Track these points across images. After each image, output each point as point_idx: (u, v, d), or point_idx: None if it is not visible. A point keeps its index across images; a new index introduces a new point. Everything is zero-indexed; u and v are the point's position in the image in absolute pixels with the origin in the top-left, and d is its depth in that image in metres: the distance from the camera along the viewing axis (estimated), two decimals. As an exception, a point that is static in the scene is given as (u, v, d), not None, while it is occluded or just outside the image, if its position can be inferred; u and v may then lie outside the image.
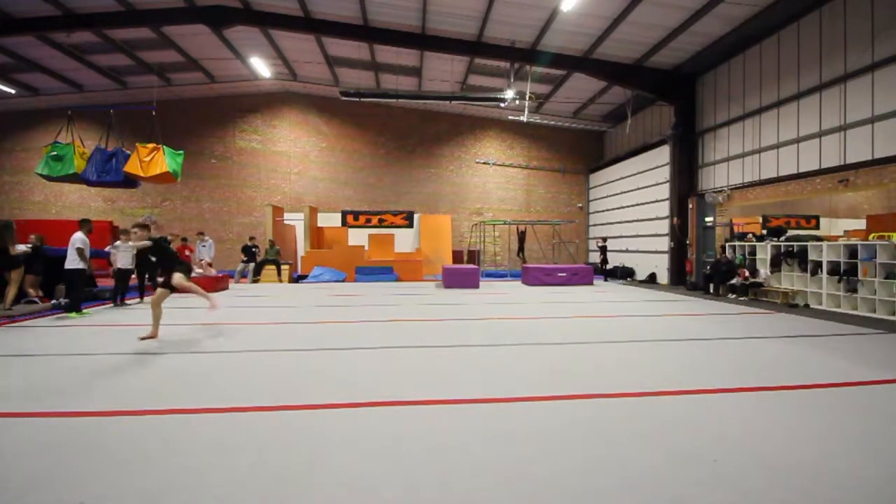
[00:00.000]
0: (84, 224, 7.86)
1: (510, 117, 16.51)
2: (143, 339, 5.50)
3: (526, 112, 15.06)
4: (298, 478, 2.33)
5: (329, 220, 17.61)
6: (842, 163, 9.12)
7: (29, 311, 7.70)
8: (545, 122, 17.41)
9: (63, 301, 7.93)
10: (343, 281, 14.60)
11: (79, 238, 7.54)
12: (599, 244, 17.85)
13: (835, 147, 9.29)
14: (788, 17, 10.14)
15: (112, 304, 8.84)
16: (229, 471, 2.40)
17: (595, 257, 18.87)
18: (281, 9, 12.23)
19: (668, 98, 13.74)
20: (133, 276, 9.42)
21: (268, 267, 14.74)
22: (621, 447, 2.68)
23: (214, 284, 11.69)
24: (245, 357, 4.90)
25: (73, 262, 7.43)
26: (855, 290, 8.33)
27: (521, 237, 18.33)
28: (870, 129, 8.61)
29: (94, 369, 4.38)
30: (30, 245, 8.43)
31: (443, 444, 2.72)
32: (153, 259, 6.06)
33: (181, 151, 11.20)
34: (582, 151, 20.39)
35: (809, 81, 9.86)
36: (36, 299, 8.52)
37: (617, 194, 17.93)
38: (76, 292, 7.60)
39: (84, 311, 7.89)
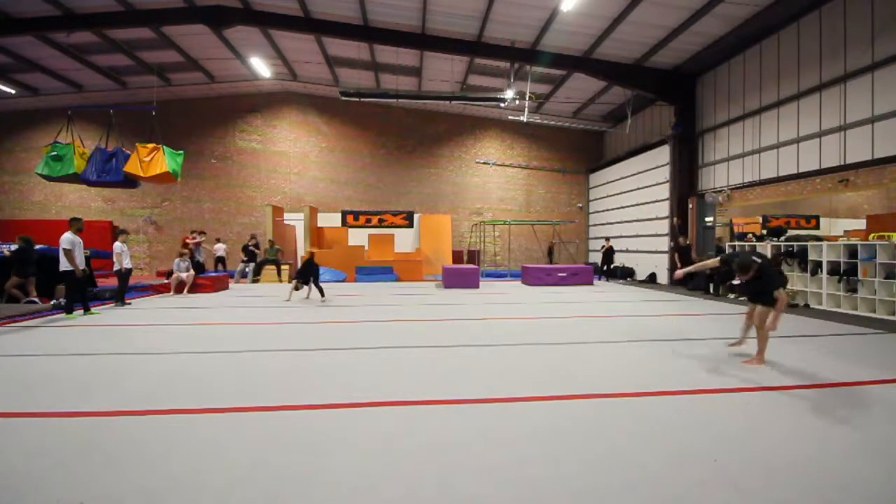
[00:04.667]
0: (73, 223, 7.62)
1: (510, 117, 16.48)
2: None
3: (526, 112, 15.03)
4: (298, 477, 2.33)
5: (329, 220, 17.61)
6: (842, 163, 9.12)
7: (28, 312, 7.69)
8: (545, 122, 17.40)
9: (63, 301, 7.92)
10: (343, 281, 14.60)
11: (66, 239, 7.31)
12: (604, 245, 16.88)
13: (835, 147, 9.29)
14: (788, 17, 10.14)
15: (114, 304, 8.84)
16: (229, 471, 2.40)
17: (596, 257, 18.45)
18: (281, 9, 12.22)
19: (668, 98, 13.74)
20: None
21: (268, 267, 14.76)
22: (621, 447, 2.68)
23: (215, 284, 11.71)
24: (245, 357, 4.90)
25: (63, 263, 7.32)
26: (855, 290, 8.33)
27: (551, 250, 19.24)
28: (870, 128, 8.61)
29: (93, 369, 4.38)
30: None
31: (443, 444, 2.72)
32: None
33: (181, 151, 11.22)
34: (582, 151, 20.39)
35: (809, 81, 9.86)
36: (35, 299, 8.53)
37: (617, 194, 17.92)
38: (70, 294, 7.56)
39: (93, 310, 7.89)
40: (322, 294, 9.75)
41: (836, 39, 9.25)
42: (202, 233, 14.74)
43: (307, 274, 9.80)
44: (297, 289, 9.82)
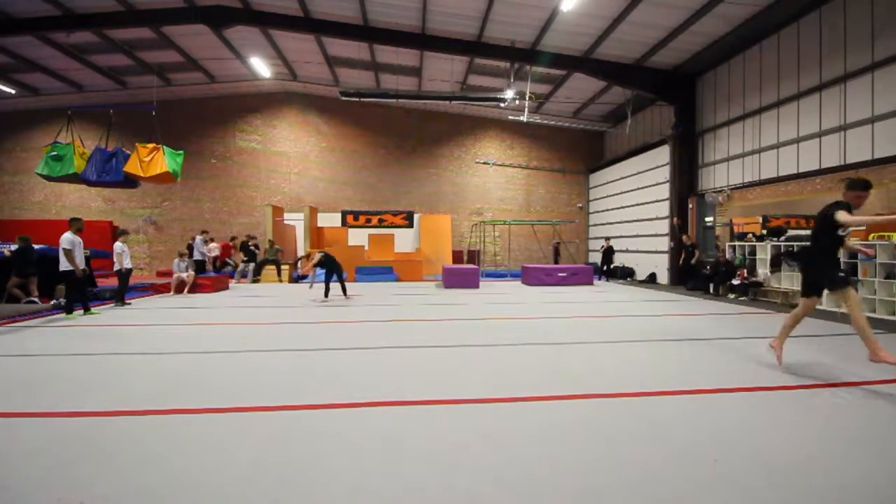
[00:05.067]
0: (73, 223, 7.65)
1: (510, 117, 16.50)
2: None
3: (526, 112, 15.05)
4: (299, 477, 2.33)
5: (329, 220, 17.61)
6: (842, 163, 9.12)
7: (28, 311, 7.69)
8: (545, 122, 17.40)
9: (63, 301, 7.93)
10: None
11: (66, 239, 7.34)
12: (603, 246, 17.05)
13: (835, 147, 9.29)
14: (788, 17, 10.14)
15: (114, 304, 8.84)
16: (230, 471, 2.40)
17: (596, 257, 18.62)
18: (281, 9, 12.23)
19: (668, 98, 13.74)
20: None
21: (268, 267, 14.76)
22: (621, 447, 2.68)
23: (215, 284, 11.71)
24: (245, 357, 4.90)
25: (63, 264, 7.34)
26: (855, 290, 8.32)
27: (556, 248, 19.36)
28: (870, 128, 8.61)
29: (93, 369, 4.38)
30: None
31: (443, 444, 2.72)
32: None
33: (181, 151, 11.21)
34: (582, 151, 20.38)
35: (809, 81, 9.86)
36: (35, 299, 8.54)
37: (617, 194, 17.93)
38: (70, 294, 7.57)
39: (93, 310, 7.90)
40: (326, 295, 9.77)
41: (835, 39, 9.25)
42: (205, 232, 14.93)
43: (331, 266, 9.95)
44: (309, 263, 10.19)
